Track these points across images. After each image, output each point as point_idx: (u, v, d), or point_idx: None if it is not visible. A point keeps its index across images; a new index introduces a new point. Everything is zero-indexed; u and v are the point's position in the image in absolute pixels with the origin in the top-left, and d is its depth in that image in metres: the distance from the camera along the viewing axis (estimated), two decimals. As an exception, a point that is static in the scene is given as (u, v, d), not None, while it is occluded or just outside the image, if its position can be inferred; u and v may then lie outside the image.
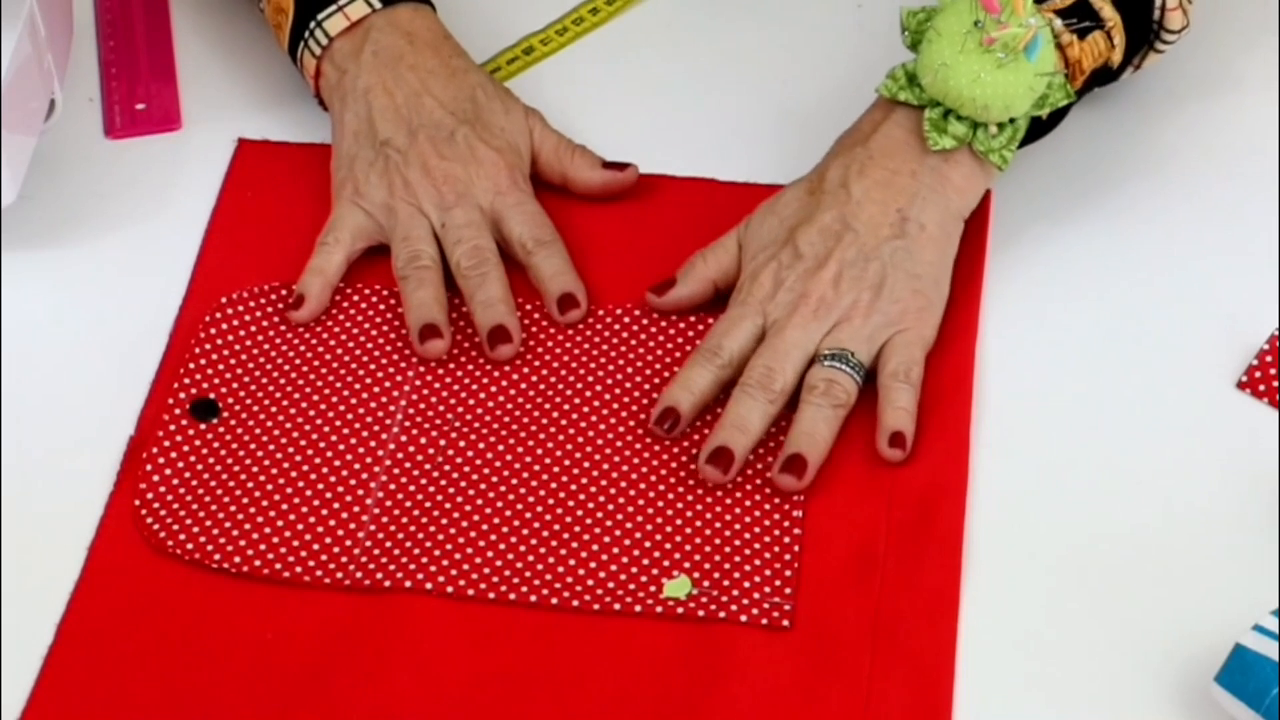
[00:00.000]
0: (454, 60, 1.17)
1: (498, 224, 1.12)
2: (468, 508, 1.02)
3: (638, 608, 0.98)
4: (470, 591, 0.98)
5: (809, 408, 1.03)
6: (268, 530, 1.01)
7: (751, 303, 1.06)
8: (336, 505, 1.02)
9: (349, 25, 1.16)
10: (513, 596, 0.98)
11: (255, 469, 1.04)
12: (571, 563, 1.00)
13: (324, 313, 1.11)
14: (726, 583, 0.99)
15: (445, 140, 1.13)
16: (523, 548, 1.00)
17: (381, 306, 1.11)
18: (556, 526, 1.01)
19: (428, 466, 1.04)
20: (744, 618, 0.97)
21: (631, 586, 0.99)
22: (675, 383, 1.05)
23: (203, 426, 1.05)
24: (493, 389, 1.07)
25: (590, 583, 0.99)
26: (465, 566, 0.99)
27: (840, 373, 1.04)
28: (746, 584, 0.98)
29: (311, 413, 1.06)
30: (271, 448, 1.05)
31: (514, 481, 1.03)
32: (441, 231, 1.11)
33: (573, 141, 1.16)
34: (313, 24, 1.16)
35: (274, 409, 1.06)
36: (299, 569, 0.99)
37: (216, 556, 1.00)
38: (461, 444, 1.05)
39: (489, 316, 1.08)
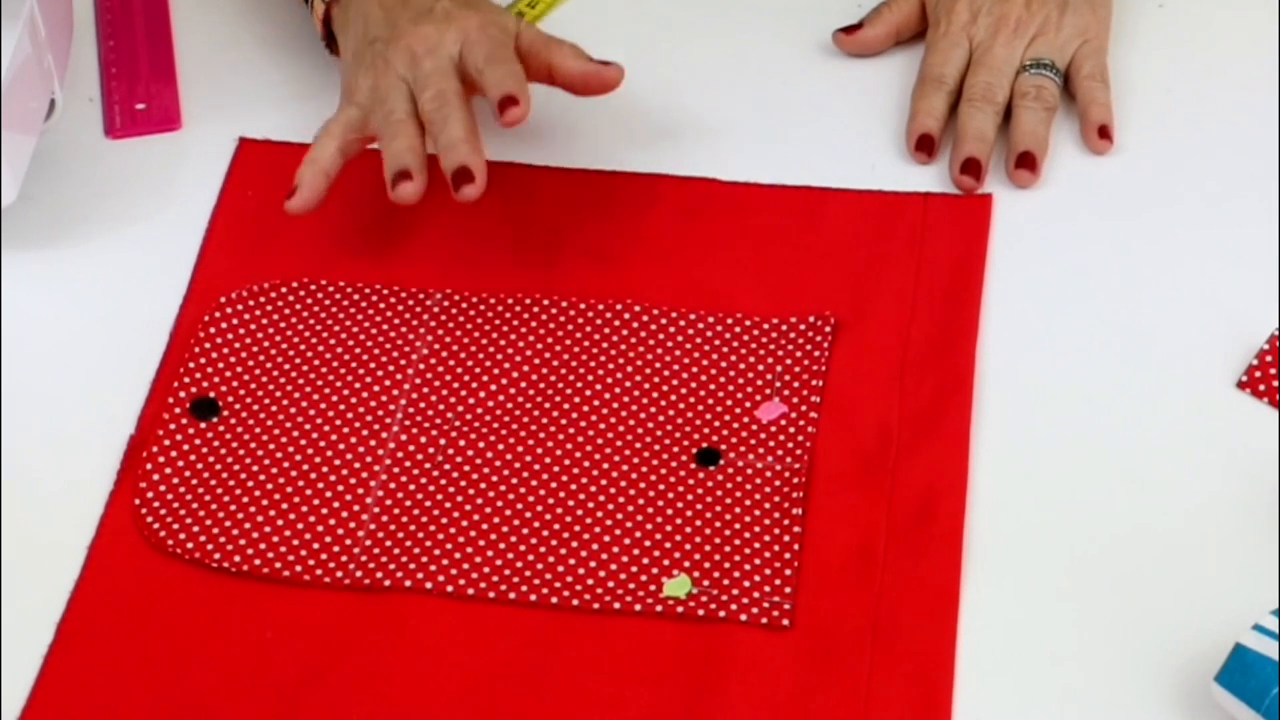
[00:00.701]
0: None
1: (463, 66, 1.12)
2: (468, 508, 1.02)
3: (638, 607, 0.98)
4: (470, 591, 0.98)
5: (1026, 111, 1.18)
6: (268, 530, 1.01)
7: (954, 31, 1.21)
8: (336, 505, 1.02)
9: None
10: (513, 596, 0.98)
11: (255, 468, 1.04)
12: (571, 562, 1.00)
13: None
14: (726, 582, 0.99)
15: (425, 13, 1.13)
16: (523, 547, 1.00)
17: (381, 305, 1.11)
18: (556, 526, 1.01)
19: (428, 466, 1.04)
20: (744, 617, 0.97)
21: (631, 586, 0.99)
22: (917, 115, 1.19)
23: (203, 426, 1.05)
24: (493, 388, 1.07)
25: (590, 582, 0.99)
26: (465, 566, 0.99)
27: (1045, 79, 1.19)
28: (746, 583, 0.98)
29: (311, 412, 1.06)
30: (271, 447, 1.05)
31: (514, 481, 1.03)
32: (413, 86, 1.11)
33: (559, 38, 1.16)
34: None
35: (274, 408, 1.06)
36: (299, 569, 0.99)
37: (216, 556, 1.00)
38: (461, 444, 1.05)
39: (451, 159, 1.08)
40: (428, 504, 1.02)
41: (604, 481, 1.03)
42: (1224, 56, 1.25)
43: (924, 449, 1.04)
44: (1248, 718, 0.90)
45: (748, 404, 1.06)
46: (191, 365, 1.08)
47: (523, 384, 1.08)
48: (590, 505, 1.02)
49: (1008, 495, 1.02)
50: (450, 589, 0.99)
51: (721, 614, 0.97)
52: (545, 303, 1.11)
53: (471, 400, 1.07)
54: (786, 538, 1.00)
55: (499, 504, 1.02)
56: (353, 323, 1.11)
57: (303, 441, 1.05)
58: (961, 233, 1.14)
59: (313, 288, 1.12)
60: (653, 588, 0.99)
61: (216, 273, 1.13)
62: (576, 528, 1.01)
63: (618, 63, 1.15)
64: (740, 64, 1.25)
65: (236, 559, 1.00)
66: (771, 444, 1.05)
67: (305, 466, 1.04)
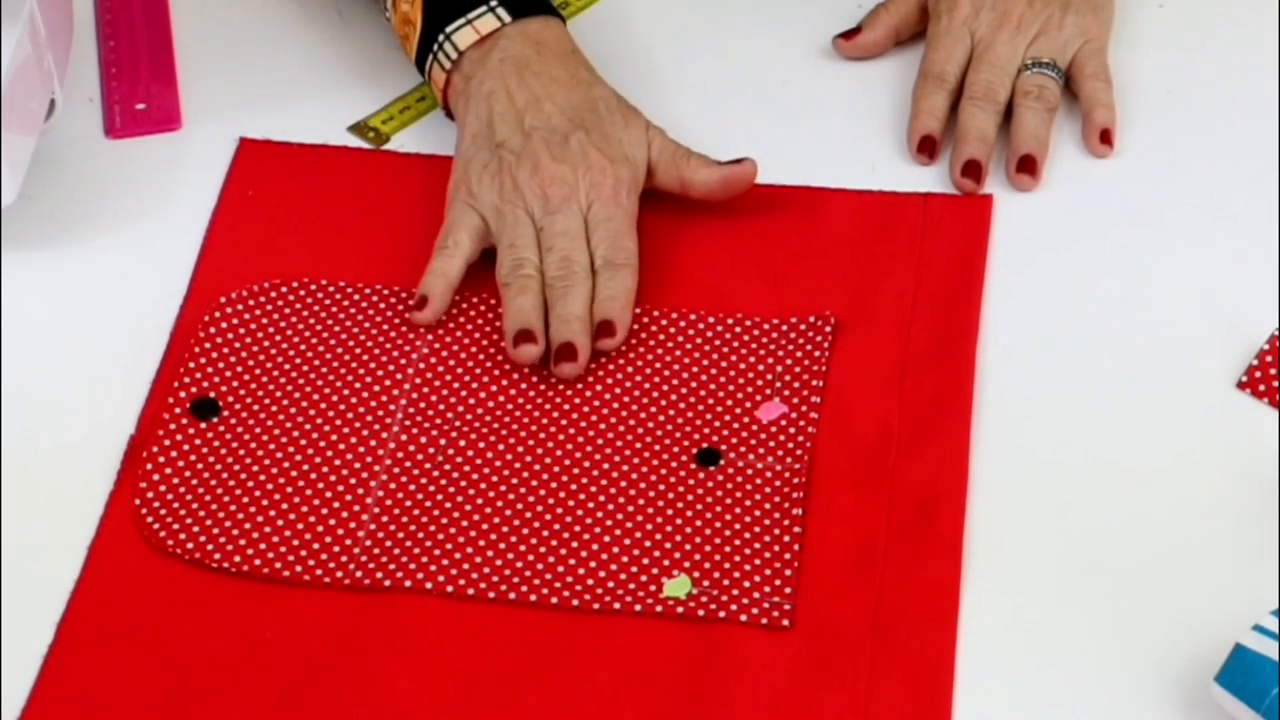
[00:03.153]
0: (580, 72, 1.17)
1: (588, 233, 1.12)
2: (468, 507, 1.02)
3: (638, 607, 0.98)
4: (470, 591, 0.98)
5: (1028, 111, 1.17)
6: (268, 529, 1.01)
7: (956, 26, 1.20)
8: (336, 505, 1.02)
9: (479, 39, 1.16)
10: (513, 596, 0.98)
11: (255, 468, 1.04)
12: (571, 562, 1.00)
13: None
14: (726, 582, 0.99)
15: (559, 143, 1.12)
16: (523, 547, 1.00)
17: (381, 305, 1.11)
18: (556, 526, 1.01)
19: (428, 466, 1.04)
20: (744, 617, 0.97)
21: (631, 586, 0.99)
22: (919, 114, 1.18)
23: (203, 425, 1.05)
24: (493, 388, 1.07)
25: (590, 582, 0.99)
26: (465, 566, 0.99)
27: (1047, 78, 1.18)
28: (746, 584, 0.98)
29: (311, 412, 1.06)
30: (272, 447, 1.05)
31: (514, 481, 1.03)
32: (540, 234, 1.11)
33: (690, 149, 1.16)
34: (441, 37, 1.16)
35: (274, 408, 1.06)
36: (299, 568, 0.99)
37: (216, 556, 1.00)
38: (461, 444, 1.05)
39: (562, 332, 1.07)
40: (428, 504, 1.02)
41: (604, 481, 1.03)
42: (1224, 56, 1.25)
43: (924, 449, 1.04)
44: (1248, 718, 0.90)
45: (748, 404, 1.06)
46: (191, 365, 1.08)
47: (523, 384, 1.08)
48: (590, 505, 1.02)
49: (1008, 495, 1.02)
50: (450, 589, 0.99)
51: (721, 614, 0.97)
52: (545, 303, 1.11)
53: (471, 400, 1.07)
54: (786, 538, 1.00)
55: (499, 504, 1.02)
56: (353, 323, 1.11)
57: (303, 441, 1.05)
58: (961, 233, 1.14)
59: (313, 288, 1.12)
60: (653, 588, 0.99)
61: (216, 273, 1.13)
62: (576, 528, 1.01)
63: (749, 158, 1.15)
64: (740, 64, 1.25)
65: (236, 559, 1.00)
66: (771, 444, 1.05)
67: (305, 466, 1.04)
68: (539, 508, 1.02)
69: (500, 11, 1.16)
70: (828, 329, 1.09)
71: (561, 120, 1.13)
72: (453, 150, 1.18)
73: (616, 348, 1.09)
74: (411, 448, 1.05)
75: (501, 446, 1.05)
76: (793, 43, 1.26)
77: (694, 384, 1.08)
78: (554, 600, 0.98)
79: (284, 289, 1.12)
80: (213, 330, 1.10)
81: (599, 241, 1.11)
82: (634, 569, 0.99)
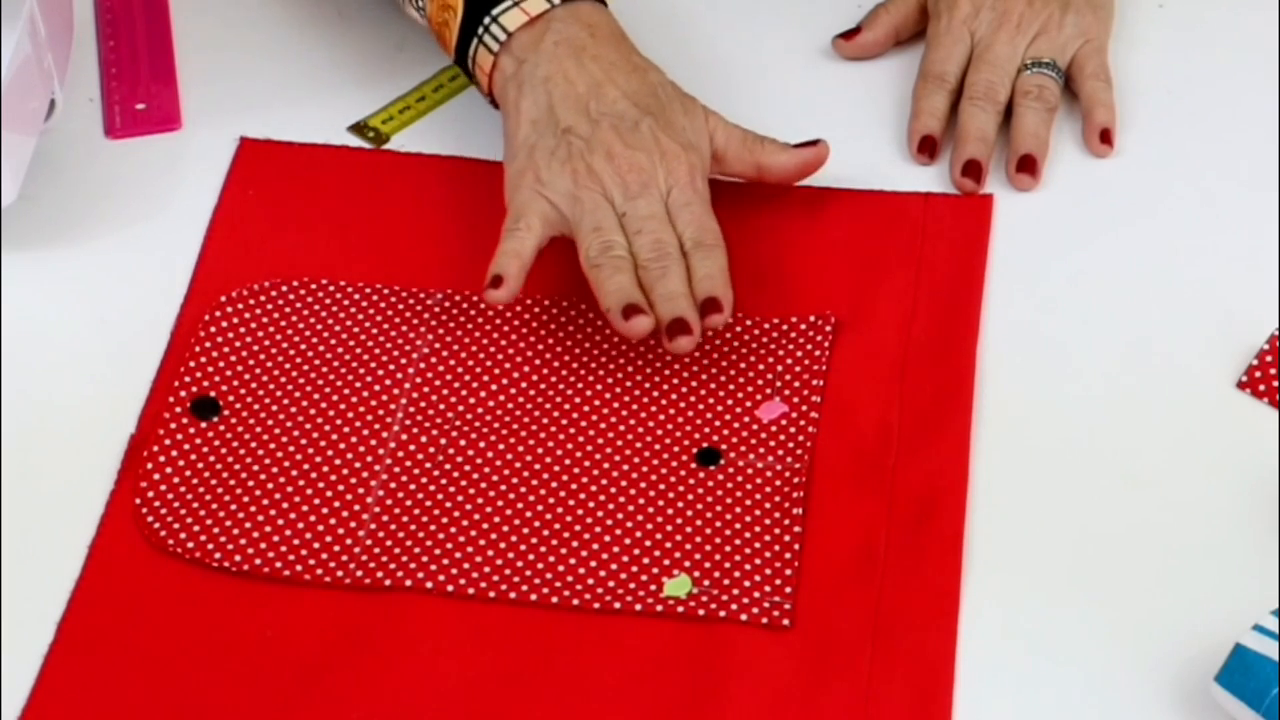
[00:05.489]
0: (634, 57, 1.15)
1: (670, 218, 1.10)
2: (468, 507, 1.02)
3: (638, 607, 0.98)
4: (470, 591, 0.98)
5: (1029, 112, 1.18)
6: (268, 529, 1.01)
7: (955, 25, 1.20)
8: (337, 504, 1.02)
9: (529, 20, 1.15)
10: (513, 596, 0.98)
11: (256, 467, 1.04)
12: (572, 562, 1.00)
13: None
14: (727, 582, 0.99)
15: (630, 129, 1.11)
16: (523, 547, 1.00)
17: (382, 305, 1.11)
18: (556, 526, 1.01)
19: (428, 465, 1.04)
20: (744, 617, 0.97)
21: (632, 585, 0.99)
22: (920, 114, 1.18)
23: (203, 425, 1.05)
24: (493, 388, 1.07)
25: (590, 582, 0.99)
26: (465, 566, 0.99)
27: (1047, 78, 1.19)
28: (746, 583, 0.98)
29: (312, 411, 1.06)
30: (272, 446, 1.05)
31: (514, 481, 1.03)
32: (623, 220, 1.09)
33: (759, 134, 1.15)
34: (487, 19, 1.15)
35: (274, 407, 1.06)
36: (299, 568, 0.99)
37: (217, 555, 1.00)
38: (462, 443, 1.05)
39: (670, 309, 1.06)
40: (428, 504, 1.02)
41: (604, 481, 1.03)
42: (1224, 56, 1.25)
43: (924, 449, 1.04)
44: (1248, 718, 0.90)
45: (748, 404, 1.07)
46: (192, 365, 1.08)
47: (523, 384, 1.08)
48: (590, 505, 1.02)
49: (1008, 495, 1.02)
50: (450, 589, 0.99)
51: (721, 614, 0.97)
52: (545, 303, 1.11)
53: (472, 400, 1.07)
54: (787, 538, 1.00)
55: (499, 504, 1.02)
56: (353, 323, 1.11)
57: (303, 441, 1.05)
58: (962, 233, 1.14)
59: (313, 287, 1.12)
60: (653, 588, 0.99)
61: (216, 273, 1.13)
62: (577, 527, 1.01)
63: (823, 139, 1.14)
64: (740, 64, 1.25)
65: (237, 559, 1.00)
66: (772, 444, 1.05)
67: (305, 466, 1.04)
68: (539, 507, 1.02)
69: None
70: (828, 328, 1.09)
71: (628, 106, 1.12)
72: (452, 149, 1.18)
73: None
74: (412, 447, 1.05)
75: (502, 446, 1.05)
76: (793, 43, 1.26)
77: (694, 383, 1.08)
78: (554, 600, 0.98)
79: (284, 289, 1.12)
80: (213, 330, 1.10)
81: (684, 225, 1.09)
82: (634, 569, 0.99)
